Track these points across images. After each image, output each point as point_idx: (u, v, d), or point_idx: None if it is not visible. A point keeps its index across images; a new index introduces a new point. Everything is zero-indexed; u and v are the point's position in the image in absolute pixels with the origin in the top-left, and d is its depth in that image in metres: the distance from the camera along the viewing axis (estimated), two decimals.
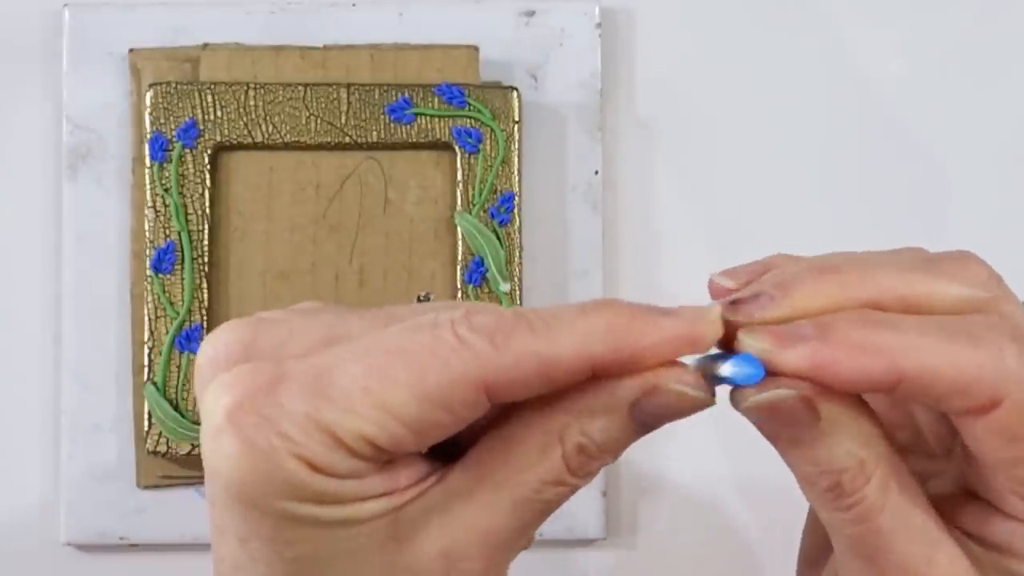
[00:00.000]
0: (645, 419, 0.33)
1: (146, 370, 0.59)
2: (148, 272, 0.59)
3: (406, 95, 0.60)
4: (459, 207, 0.60)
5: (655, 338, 0.32)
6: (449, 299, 0.60)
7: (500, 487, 0.34)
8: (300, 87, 0.60)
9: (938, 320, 0.33)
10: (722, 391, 0.33)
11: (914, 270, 0.34)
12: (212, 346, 0.34)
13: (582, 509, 0.61)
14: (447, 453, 0.35)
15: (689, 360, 0.33)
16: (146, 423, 0.59)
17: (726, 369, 0.32)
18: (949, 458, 0.38)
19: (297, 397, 0.32)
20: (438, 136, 0.60)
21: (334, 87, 0.60)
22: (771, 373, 0.32)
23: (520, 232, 0.60)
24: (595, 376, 0.33)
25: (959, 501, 0.36)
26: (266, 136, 0.60)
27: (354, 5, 0.63)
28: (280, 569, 0.33)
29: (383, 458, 0.33)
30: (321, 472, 0.32)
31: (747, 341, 0.33)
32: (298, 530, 0.33)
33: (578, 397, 0.33)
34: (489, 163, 0.60)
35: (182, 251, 0.59)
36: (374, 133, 0.60)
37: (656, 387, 0.33)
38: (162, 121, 0.59)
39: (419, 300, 0.38)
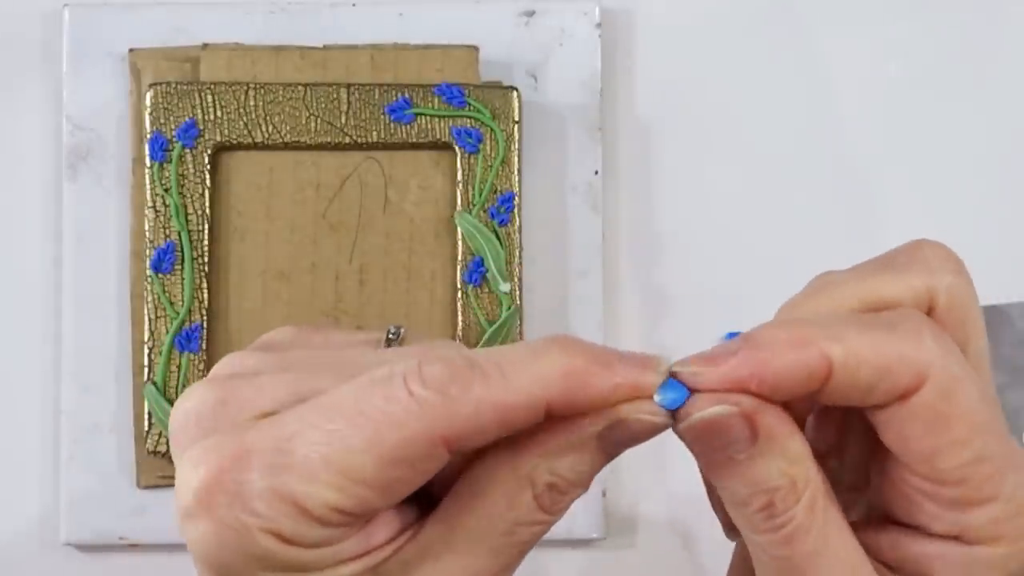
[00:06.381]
0: (612, 449, 0.33)
1: (146, 370, 0.59)
2: (148, 272, 0.59)
3: (406, 95, 0.60)
4: (459, 207, 0.60)
5: (608, 385, 0.32)
6: (448, 296, 0.60)
7: (475, 535, 0.34)
8: (300, 87, 0.60)
9: (856, 315, 0.34)
10: None
11: (870, 274, 0.35)
12: (183, 412, 0.35)
13: (582, 509, 0.61)
14: (426, 498, 0.35)
15: None
16: (146, 423, 0.59)
17: (656, 397, 0.33)
18: (863, 491, 0.38)
19: (261, 471, 0.32)
20: (438, 136, 0.60)
21: (334, 87, 0.60)
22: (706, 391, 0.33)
23: (520, 232, 0.60)
24: (551, 415, 0.33)
25: (874, 530, 0.36)
26: (266, 136, 0.60)
27: (354, 5, 0.63)
28: None
29: (355, 522, 0.33)
30: (292, 544, 0.32)
31: (676, 368, 0.33)
32: None
33: (543, 438, 0.33)
34: (489, 163, 0.60)
35: (182, 251, 0.59)
36: (374, 133, 0.60)
37: (621, 420, 0.33)
38: (162, 121, 0.59)
39: (388, 335, 0.38)
